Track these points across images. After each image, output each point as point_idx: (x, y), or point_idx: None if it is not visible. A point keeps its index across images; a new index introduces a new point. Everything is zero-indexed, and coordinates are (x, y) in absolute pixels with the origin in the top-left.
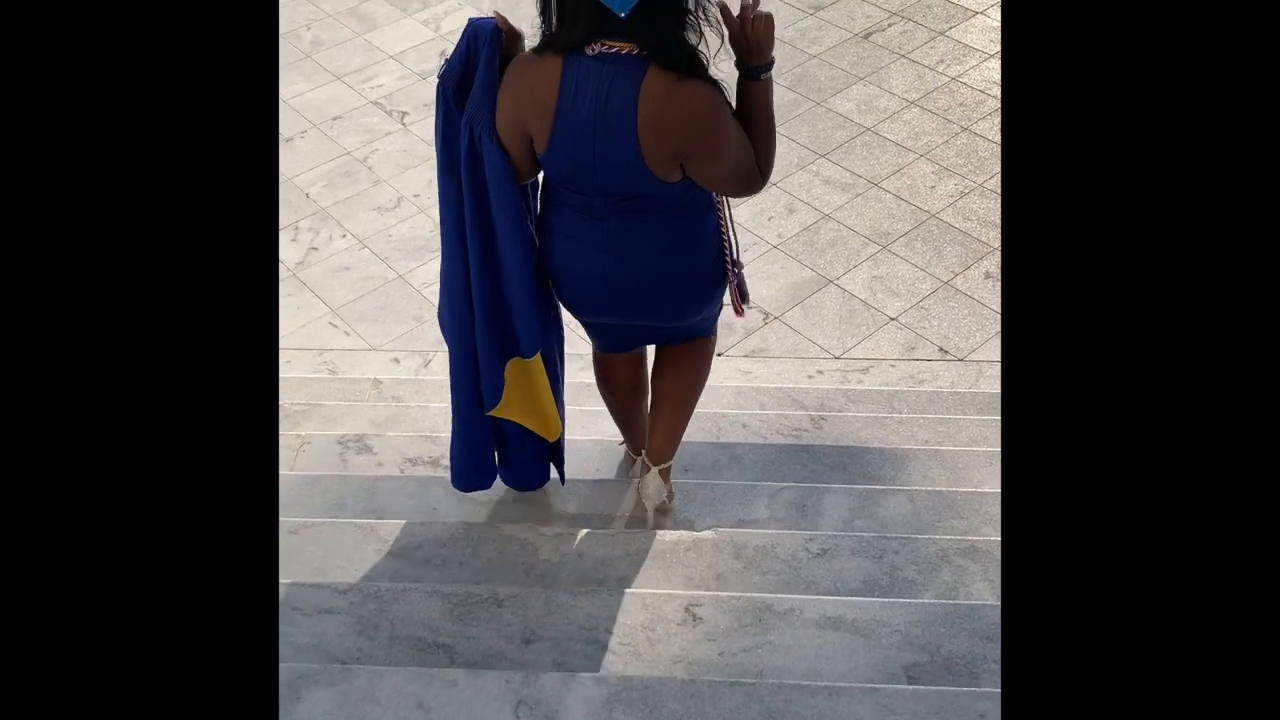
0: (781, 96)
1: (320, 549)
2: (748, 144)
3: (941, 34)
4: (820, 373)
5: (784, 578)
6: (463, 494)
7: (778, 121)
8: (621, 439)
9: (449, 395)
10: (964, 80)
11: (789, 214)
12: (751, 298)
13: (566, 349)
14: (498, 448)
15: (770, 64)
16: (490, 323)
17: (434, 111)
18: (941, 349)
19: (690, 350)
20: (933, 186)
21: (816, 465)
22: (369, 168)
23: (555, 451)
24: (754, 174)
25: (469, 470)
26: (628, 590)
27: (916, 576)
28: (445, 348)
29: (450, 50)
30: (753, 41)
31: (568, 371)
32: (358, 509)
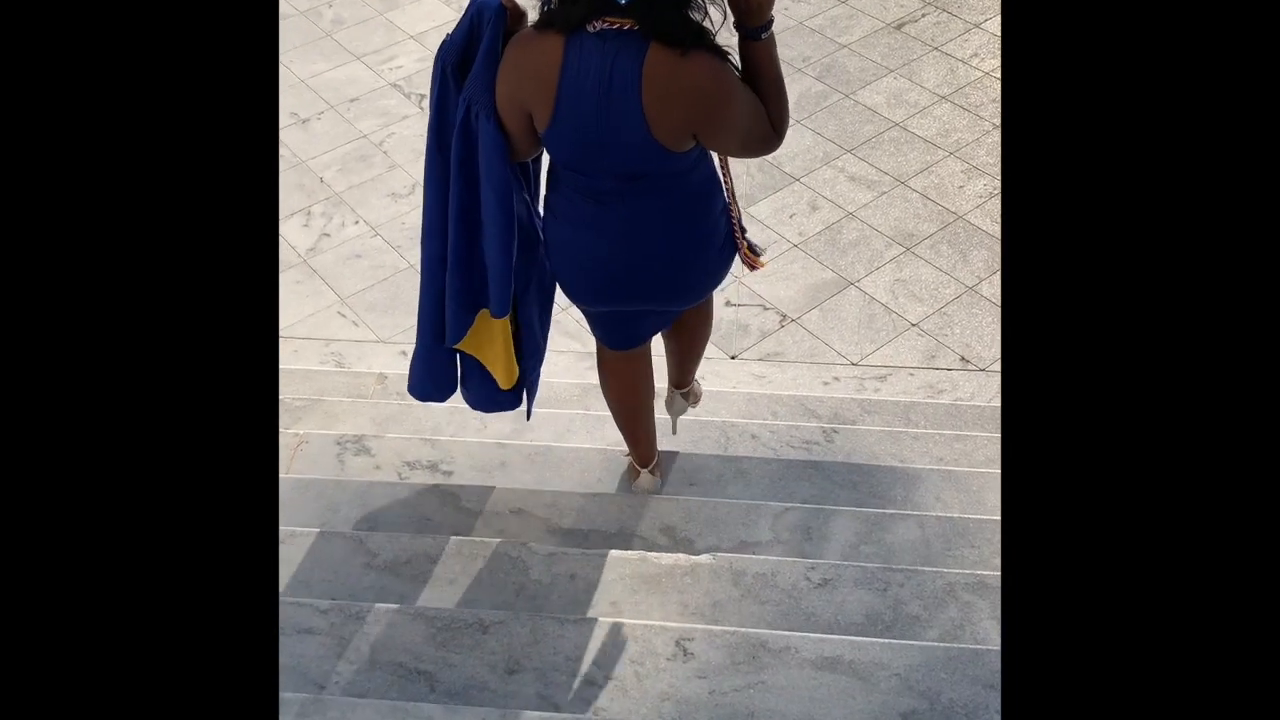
0: (809, 87)
1: (308, 560)
2: (760, 106)
3: (976, 26)
4: (836, 379)
5: (783, 608)
6: (457, 504)
7: (806, 113)
8: (627, 451)
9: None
10: (998, 75)
11: (811, 211)
12: (768, 297)
13: (577, 346)
14: (461, 370)
15: (770, 23)
16: (463, 275)
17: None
18: (963, 358)
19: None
20: (961, 186)
21: (825, 483)
22: (384, 152)
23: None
24: (769, 134)
25: (427, 385)
26: (617, 620)
27: (921, 612)
28: None
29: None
30: (752, 2)
31: (575, 370)
32: (350, 516)
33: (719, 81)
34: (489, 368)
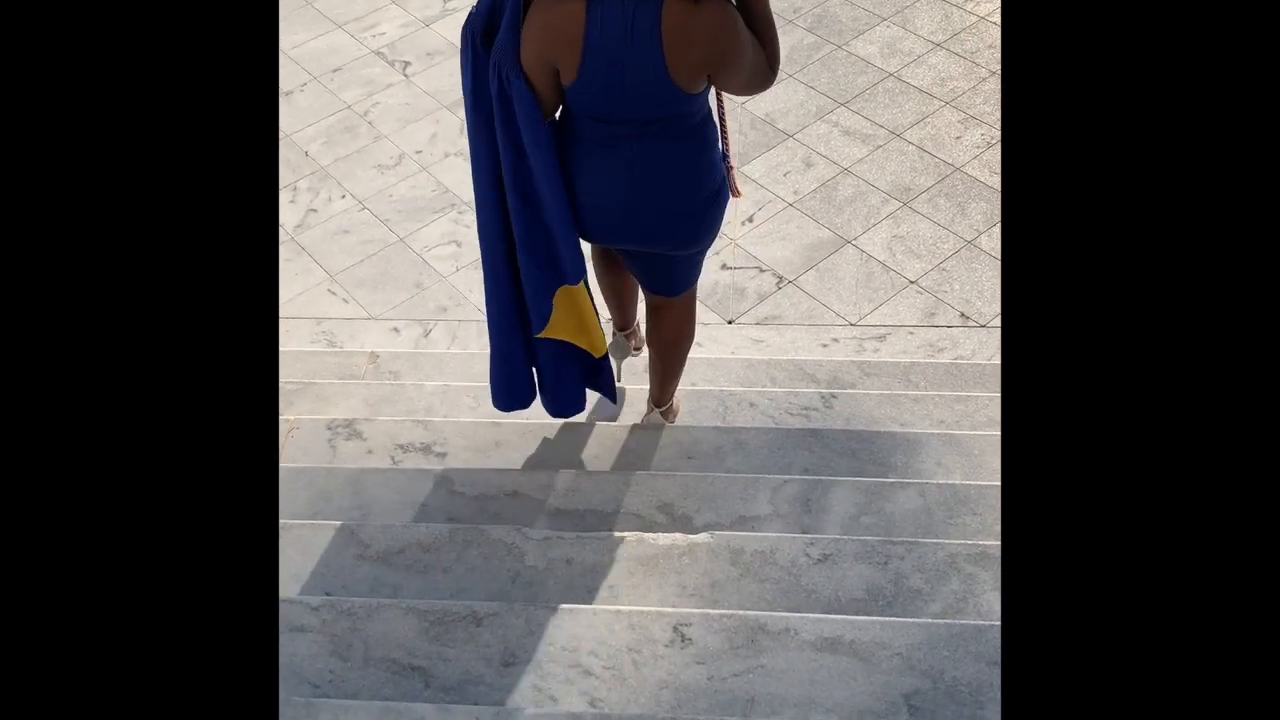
0: (800, 39)
1: (299, 553)
2: (759, 46)
3: None
4: (835, 341)
5: (783, 586)
6: (451, 488)
7: (798, 66)
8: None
9: (446, 369)
10: (994, 20)
11: (806, 168)
12: (765, 259)
13: None
14: (537, 374)
15: None
16: (534, 256)
17: (458, 56)
18: (963, 314)
19: (680, 300)
20: (958, 137)
21: (825, 452)
22: (369, 122)
23: (597, 373)
24: (767, 71)
25: (507, 392)
26: (614, 608)
27: (923, 585)
28: (445, 316)
29: None
30: None
31: None
32: (343, 503)
33: (728, 25)
34: (578, 343)
